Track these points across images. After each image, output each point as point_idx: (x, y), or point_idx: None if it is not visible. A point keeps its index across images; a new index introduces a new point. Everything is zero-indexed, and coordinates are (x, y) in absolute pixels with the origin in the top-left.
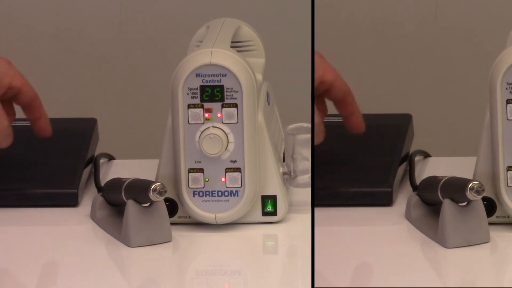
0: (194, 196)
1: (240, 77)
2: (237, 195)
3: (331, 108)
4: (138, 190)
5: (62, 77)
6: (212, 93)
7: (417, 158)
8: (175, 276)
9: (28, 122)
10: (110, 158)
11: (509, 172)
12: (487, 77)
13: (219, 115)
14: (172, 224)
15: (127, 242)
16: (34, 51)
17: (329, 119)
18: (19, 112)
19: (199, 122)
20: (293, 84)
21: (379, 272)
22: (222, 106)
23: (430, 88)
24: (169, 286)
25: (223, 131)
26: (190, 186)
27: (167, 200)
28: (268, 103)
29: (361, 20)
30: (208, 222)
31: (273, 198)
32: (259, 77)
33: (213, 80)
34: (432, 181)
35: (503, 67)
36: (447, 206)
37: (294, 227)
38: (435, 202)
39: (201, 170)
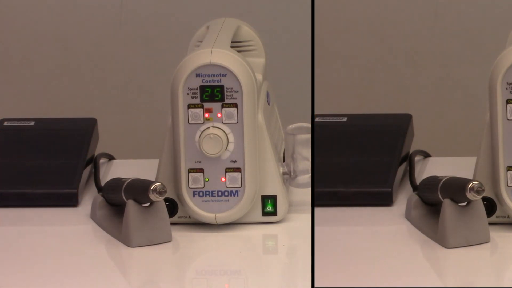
0: (194, 196)
1: (240, 77)
2: (237, 195)
3: (331, 107)
4: (138, 190)
5: (62, 77)
6: (212, 93)
7: (417, 158)
8: (175, 276)
9: (28, 121)
10: (110, 158)
11: (509, 172)
12: (487, 77)
13: (219, 115)
14: (172, 224)
15: (127, 242)
16: (34, 51)
17: (329, 119)
18: (19, 112)
19: (199, 122)
20: (293, 84)
21: (379, 272)
22: (222, 106)
23: (430, 88)
24: (169, 286)
25: (223, 131)
26: (190, 186)
27: (167, 200)
28: (268, 103)
29: (361, 20)
30: (208, 222)
31: (273, 198)
32: (259, 77)
33: (213, 80)
34: (432, 181)
35: (503, 67)
36: (447, 206)
37: (294, 227)
38: (435, 202)
39: (201, 170)
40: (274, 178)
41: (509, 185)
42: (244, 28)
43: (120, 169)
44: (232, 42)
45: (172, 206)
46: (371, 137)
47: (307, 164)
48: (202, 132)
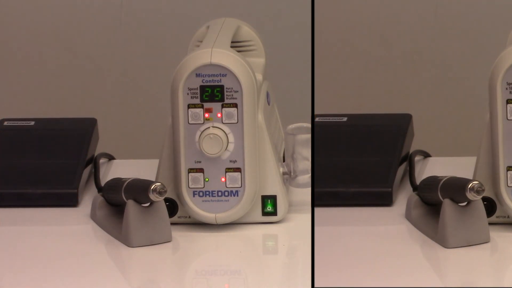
0: (194, 196)
1: (240, 77)
2: (237, 195)
3: (331, 107)
4: (138, 190)
5: (62, 77)
6: (212, 93)
7: (417, 158)
8: (175, 276)
9: (28, 121)
10: (110, 158)
11: (509, 172)
12: (487, 77)
13: (219, 115)
14: (172, 224)
15: (127, 242)
16: (34, 51)
17: (329, 119)
18: (19, 112)
19: (199, 122)
20: (293, 84)
21: (379, 272)
22: (222, 106)
23: (430, 88)
24: (169, 286)
25: (223, 131)
26: (190, 186)
27: (167, 200)
28: (268, 103)
29: (361, 20)
30: (208, 222)
31: (273, 198)
32: (259, 77)
33: (213, 80)
34: (432, 181)
35: (503, 67)
36: (447, 206)
37: (294, 227)
38: (435, 202)
39: (201, 170)
40: (274, 178)
41: (509, 185)
42: (244, 28)
43: (120, 169)
44: (232, 42)
45: (172, 206)
46: (371, 137)
47: (307, 164)
48: (202, 132)
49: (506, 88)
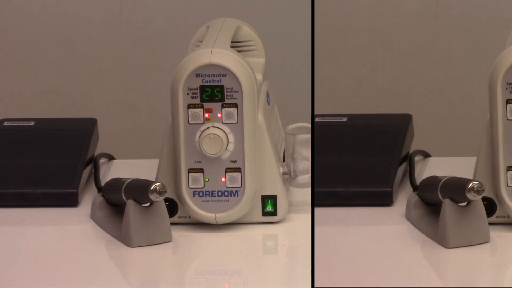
0: (194, 196)
1: (240, 77)
2: (237, 195)
3: (331, 107)
4: (138, 190)
5: (62, 77)
6: (212, 93)
7: (417, 158)
8: (175, 276)
9: (28, 121)
10: (110, 158)
11: (509, 172)
12: (487, 77)
13: (219, 115)
14: (172, 224)
15: (127, 242)
16: (34, 51)
17: (329, 119)
18: (19, 112)
19: (199, 122)
20: (293, 84)
21: (379, 272)
22: (222, 106)
23: (430, 88)
24: (169, 286)
25: (223, 131)
26: (190, 186)
27: (167, 200)
28: (268, 103)
29: (361, 20)
30: (208, 222)
31: (273, 198)
32: (259, 77)
33: (213, 80)
34: (432, 181)
35: (503, 67)
36: (447, 206)
37: (294, 227)
38: (435, 202)
39: (201, 170)
40: (274, 178)
41: (509, 185)
42: (244, 28)
43: (120, 169)
44: (232, 42)
45: (172, 206)
46: (371, 137)
47: (307, 164)
48: (202, 132)
49: (506, 88)
